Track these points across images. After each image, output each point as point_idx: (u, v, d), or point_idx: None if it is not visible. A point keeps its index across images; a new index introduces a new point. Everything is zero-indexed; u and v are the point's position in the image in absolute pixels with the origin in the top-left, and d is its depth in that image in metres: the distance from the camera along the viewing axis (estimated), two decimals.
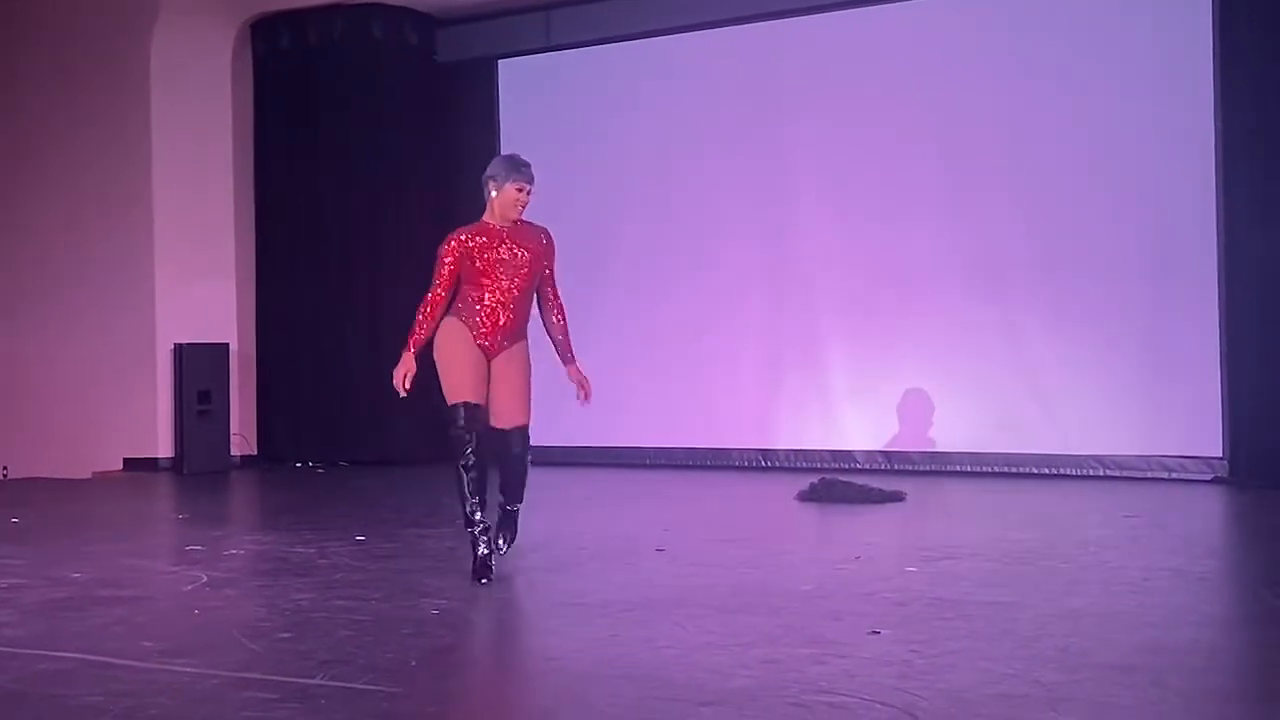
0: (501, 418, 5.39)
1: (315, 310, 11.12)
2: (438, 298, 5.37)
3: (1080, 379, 8.93)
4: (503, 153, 5.94)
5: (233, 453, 10.96)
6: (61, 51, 11.23)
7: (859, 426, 9.74)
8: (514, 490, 5.56)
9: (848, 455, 9.68)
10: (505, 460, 5.46)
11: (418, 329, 5.37)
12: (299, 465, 11.00)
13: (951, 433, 9.38)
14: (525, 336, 5.51)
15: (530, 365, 5.52)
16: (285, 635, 4.27)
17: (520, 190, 5.40)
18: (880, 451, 9.63)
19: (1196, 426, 8.55)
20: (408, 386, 5.33)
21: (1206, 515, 7.45)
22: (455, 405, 5.29)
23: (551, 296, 5.59)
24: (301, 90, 11.22)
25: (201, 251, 11.08)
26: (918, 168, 9.50)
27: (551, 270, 5.56)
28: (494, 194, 5.41)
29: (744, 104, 10.14)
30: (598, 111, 10.78)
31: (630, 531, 6.79)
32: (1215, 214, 8.50)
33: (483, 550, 5.30)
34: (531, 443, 5.47)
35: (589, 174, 10.75)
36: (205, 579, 5.42)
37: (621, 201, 10.58)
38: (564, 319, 5.63)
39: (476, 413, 5.31)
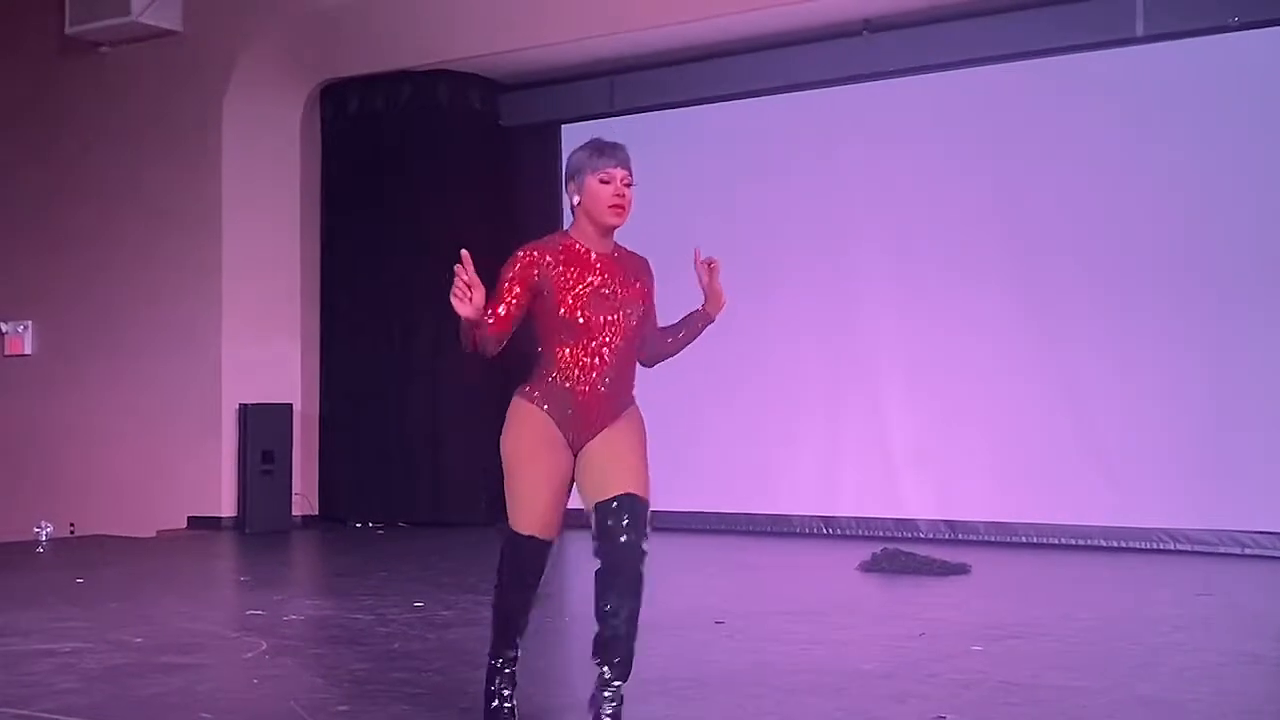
0: (605, 487, 3.76)
1: (377, 373, 11.19)
2: (486, 338, 3.75)
3: (1148, 447, 8.76)
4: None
5: (294, 512, 11.02)
6: (133, 122, 11.45)
7: (922, 494, 9.61)
8: (619, 606, 3.66)
9: (911, 524, 9.55)
10: (608, 552, 3.72)
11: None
12: (359, 525, 11.03)
13: (1016, 502, 9.23)
14: (633, 401, 3.96)
15: (644, 432, 3.95)
16: (342, 708, 4.25)
17: (608, 181, 3.79)
18: (944, 521, 9.50)
19: (1268, 499, 8.35)
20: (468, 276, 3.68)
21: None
22: (519, 536, 3.83)
23: (659, 333, 4.11)
24: (368, 155, 11.37)
25: (268, 314, 11.21)
26: (977, 228, 9.43)
27: (652, 305, 4.05)
28: (577, 199, 3.84)
29: (804, 169, 10.13)
30: (660, 176, 10.81)
31: (687, 603, 6.72)
32: None
33: (505, 705, 3.94)
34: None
35: (650, 239, 10.74)
36: (265, 646, 5.43)
37: (680, 266, 10.56)
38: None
39: (546, 553, 3.88)
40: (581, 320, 3.77)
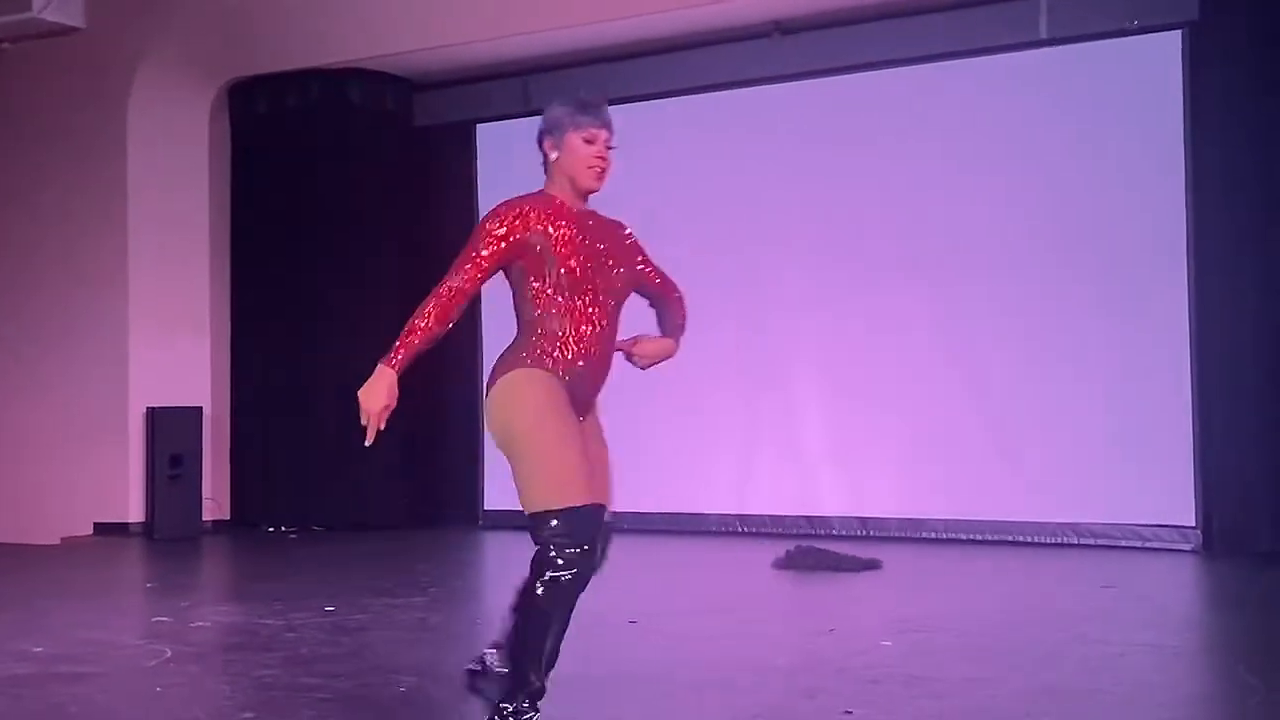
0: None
1: (290, 374, 11.06)
2: (461, 290, 3.46)
3: (1053, 444, 8.92)
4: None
5: (205, 517, 10.83)
6: (35, 121, 11.20)
7: (835, 491, 9.70)
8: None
9: (824, 521, 9.63)
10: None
11: (412, 334, 3.47)
12: (271, 530, 10.89)
13: (927, 498, 9.35)
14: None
15: None
16: (246, 715, 4.19)
17: (592, 141, 3.59)
18: (856, 518, 9.59)
19: (1169, 494, 8.54)
20: (380, 426, 3.45)
21: (1182, 585, 7.43)
22: (571, 511, 3.36)
23: (668, 290, 3.89)
24: (278, 154, 11.21)
25: (177, 316, 11.01)
26: (885, 226, 9.51)
27: (649, 262, 3.83)
28: (555, 155, 3.63)
29: (715, 170, 10.17)
30: None
31: (602, 601, 6.68)
32: (1186, 277, 8.54)
33: None
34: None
35: None
36: (169, 653, 5.33)
37: None
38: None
39: (601, 519, 3.47)
40: (582, 279, 3.49)
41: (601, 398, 3.72)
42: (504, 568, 9.27)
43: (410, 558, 9.00)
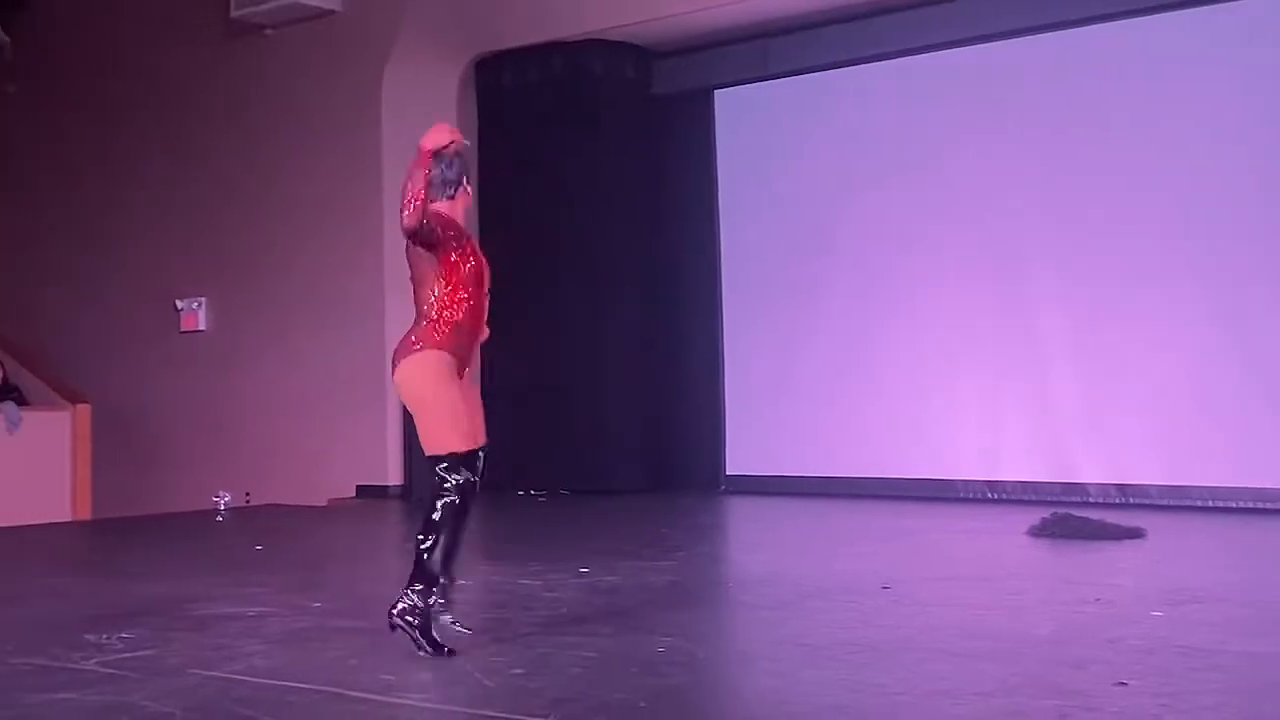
0: (481, 435, 4.68)
1: (534, 340, 11.33)
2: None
3: None
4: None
5: None
6: (296, 102, 11.76)
7: (1091, 457, 9.36)
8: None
9: (1079, 488, 9.32)
10: (471, 490, 4.64)
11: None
12: (520, 493, 11.20)
13: (1191, 465, 8.92)
14: None
15: None
16: (517, 672, 4.32)
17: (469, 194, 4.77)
18: (1114, 484, 9.23)
19: None
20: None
21: None
22: (461, 456, 4.55)
23: None
24: (522, 128, 11.48)
25: None
26: (1144, 179, 9.13)
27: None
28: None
29: (961, 127, 9.91)
30: (813, 139, 10.70)
31: (854, 568, 6.66)
32: None
33: (458, 626, 4.64)
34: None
35: (803, 202, 10.68)
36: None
37: (838, 229, 10.47)
38: None
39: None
40: (478, 276, 4.62)
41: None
42: (748, 532, 9.34)
43: (655, 522, 9.12)
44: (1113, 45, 9.33)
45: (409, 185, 4.30)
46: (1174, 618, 5.07)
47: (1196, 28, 9.03)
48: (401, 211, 4.31)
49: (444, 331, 4.54)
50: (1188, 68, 9.04)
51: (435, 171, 4.48)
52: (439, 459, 4.57)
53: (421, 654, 4.51)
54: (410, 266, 4.59)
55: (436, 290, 4.54)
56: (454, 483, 4.55)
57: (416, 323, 4.61)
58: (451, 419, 4.53)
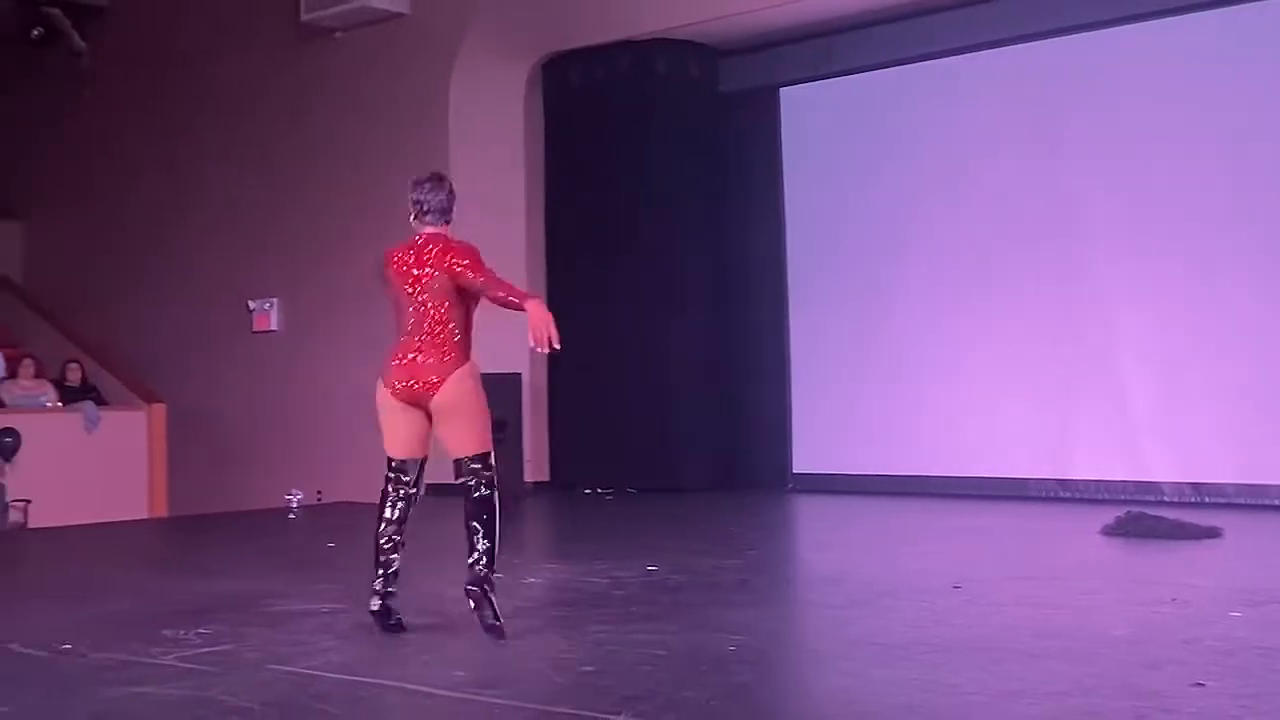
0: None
1: (602, 342, 11.35)
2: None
3: None
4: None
5: (526, 479, 11.29)
6: (364, 105, 11.85)
7: (1164, 456, 9.22)
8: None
9: (1153, 487, 9.18)
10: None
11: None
12: (588, 491, 11.24)
13: (1268, 463, 8.76)
14: None
15: None
16: (588, 669, 4.34)
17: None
18: (1188, 483, 9.09)
19: None
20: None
21: None
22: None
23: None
24: (590, 127, 11.51)
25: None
26: (1214, 178, 8.97)
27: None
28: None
29: (1028, 124, 9.80)
30: (881, 136, 10.63)
31: (923, 566, 6.61)
32: None
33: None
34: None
35: (871, 201, 10.62)
36: (507, 609, 5.56)
37: (905, 227, 10.40)
38: None
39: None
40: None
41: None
42: (816, 530, 9.31)
43: (723, 520, 9.12)
44: (1185, 38, 9.17)
45: (510, 289, 5.26)
46: (1253, 618, 4.99)
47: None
48: (498, 292, 5.20)
49: (468, 346, 5.32)
50: (1262, 60, 8.86)
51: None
52: (485, 456, 5.27)
53: (495, 624, 4.86)
54: (427, 296, 5.26)
55: (457, 316, 5.31)
56: (494, 472, 5.29)
57: (434, 341, 5.21)
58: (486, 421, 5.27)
